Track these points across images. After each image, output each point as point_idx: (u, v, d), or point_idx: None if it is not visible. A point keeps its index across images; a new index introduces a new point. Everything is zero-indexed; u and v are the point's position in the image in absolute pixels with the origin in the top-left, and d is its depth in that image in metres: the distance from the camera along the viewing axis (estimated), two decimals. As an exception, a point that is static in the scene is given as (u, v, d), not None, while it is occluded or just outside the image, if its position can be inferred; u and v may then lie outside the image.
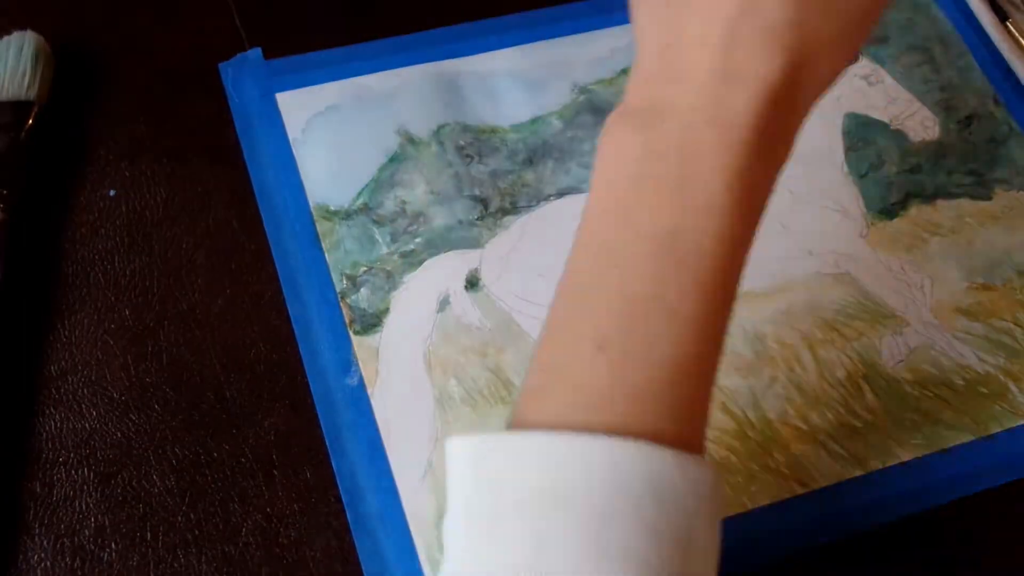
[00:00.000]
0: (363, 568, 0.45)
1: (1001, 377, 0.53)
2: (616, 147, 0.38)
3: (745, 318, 0.53)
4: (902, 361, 0.53)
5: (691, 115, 0.36)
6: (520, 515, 0.33)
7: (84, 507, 0.46)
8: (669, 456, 0.33)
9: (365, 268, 0.52)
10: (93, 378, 0.49)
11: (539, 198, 0.55)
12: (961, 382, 0.53)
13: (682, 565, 0.33)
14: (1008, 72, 0.64)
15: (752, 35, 0.36)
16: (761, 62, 0.36)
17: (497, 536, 0.33)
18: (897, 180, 0.59)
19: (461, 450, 0.35)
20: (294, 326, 0.50)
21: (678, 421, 0.34)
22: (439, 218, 0.54)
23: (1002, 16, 0.65)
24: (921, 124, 0.61)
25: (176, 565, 0.45)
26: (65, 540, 0.45)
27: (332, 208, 0.54)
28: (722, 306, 0.36)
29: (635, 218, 0.36)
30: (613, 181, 0.37)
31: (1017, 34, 0.65)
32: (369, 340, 0.50)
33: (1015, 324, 0.55)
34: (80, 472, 0.47)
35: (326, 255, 0.52)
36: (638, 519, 0.32)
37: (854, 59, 0.39)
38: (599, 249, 0.37)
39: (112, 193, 0.53)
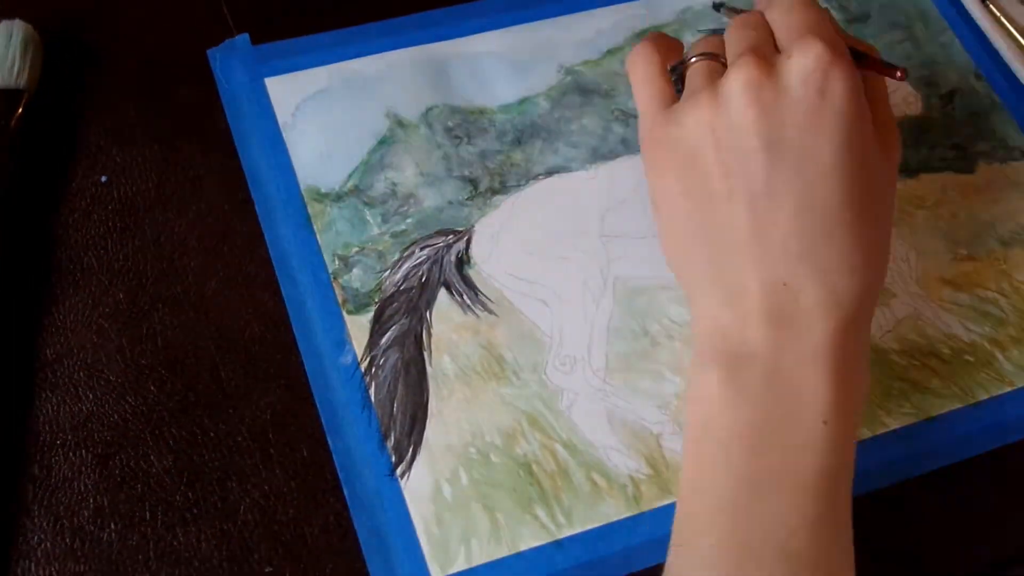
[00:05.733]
0: (361, 544, 0.46)
1: (987, 346, 0.54)
2: (706, 396, 0.40)
3: (734, 292, 0.53)
4: (889, 331, 0.54)
5: (775, 358, 0.39)
6: None
7: (83, 488, 0.46)
8: None
9: (357, 249, 0.53)
10: (89, 361, 0.49)
11: (528, 177, 0.56)
12: (948, 351, 0.53)
13: None
14: (989, 46, 0.64)
15: (824, 264, 0.39)
16: (837, 288, 0.39)
17: None
18: (881, 155, 0.59)
19: None
20: (287, 307, 0.51)
21: None
22: (429, 199, 0.55)
23: (982, -5, 0.66)
24: (903, 100, 0.62)
25: (175, 544, 0.45)
26: (64, 521, 0.45)
27: (323, 190, 0.54)
28: (833, 530, 0.38)
29: (736, 464, 0.38)
30: (710, 428, 0.39)
31: (998, 12, 0.65)
32: (362, 319, 0.51)
33: (1000, 294, 0.56)
34: (78, 454, 0.47)
35: (318, 236, 0.53)
36: None
37: None
38: (704, 495, 0.39)
39: (104, 179, 0.54)
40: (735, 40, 0.43)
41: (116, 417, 0.48)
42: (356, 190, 0.54)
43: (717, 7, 0.53)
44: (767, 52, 0.42)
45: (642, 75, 0.46)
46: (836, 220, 0.40)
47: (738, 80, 0.41)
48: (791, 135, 0.40)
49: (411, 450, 0.48)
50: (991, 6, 0.65)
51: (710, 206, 0.42)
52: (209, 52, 0.58)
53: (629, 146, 0.58)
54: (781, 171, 0.40)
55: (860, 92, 0.41)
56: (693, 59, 0.45)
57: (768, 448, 0.38)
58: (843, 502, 0.39)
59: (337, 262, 0.52)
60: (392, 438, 0.48)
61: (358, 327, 0.51)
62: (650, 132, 0.45)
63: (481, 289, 0.52)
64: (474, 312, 0.52)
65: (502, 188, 0.55)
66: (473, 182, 0.55)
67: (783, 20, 0.43)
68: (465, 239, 0.54)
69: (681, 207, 0.43)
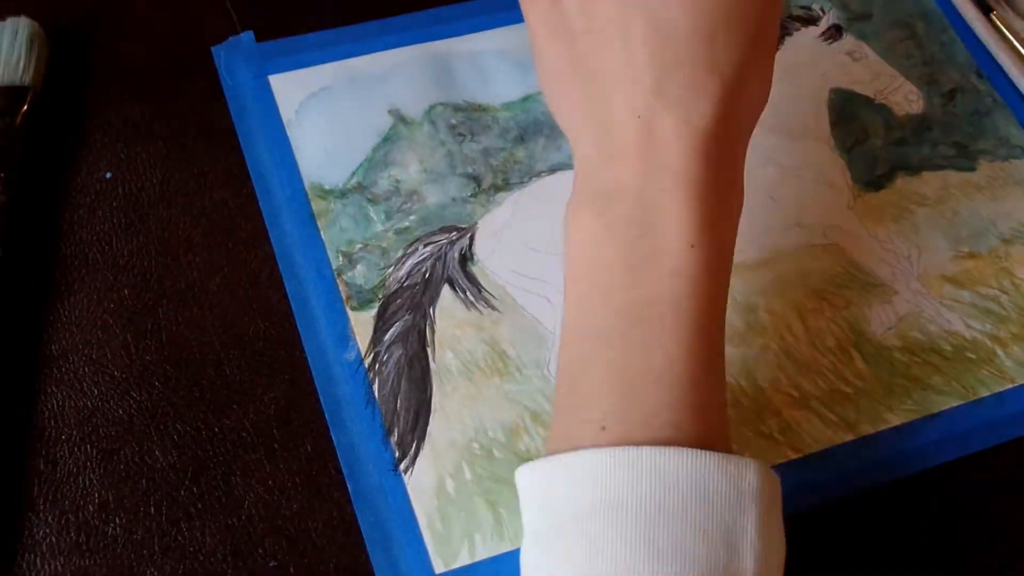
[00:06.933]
0: (365, 539, 0.46)
1: (988, 343, 0.54)
2: (581, 234, 0.40)
3: (736, 289, 0.53)
4: (891, 328, 0.54)
5: (639, 189, 0.38)
6: (575, 526, 0.35)
7: (87, 483, 0.46)
8: (710, 457, 0.35)
9: (361, 245, 0.53)
10: (94, 357, 0.49)
11: (531, 174, 0.56)
12: (949, 348, 0.54)
13: (730, 560, 0.35)
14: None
15: (676, 92, 0.39)
16: (691, 114, 0.38)
17: (555, 549, 0.36)
18: (883, 153, 0.60)
19: (527, 479, 0.39)
20: (291, 303, 0.51)
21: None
22: (433, 196, 0.55)
23: (986, 9, 0.65)
24: (905, 98, 0.62)
25: (180, 538, 0.46)
26: (69, 516, 0.46)
27: (327, 187, 0.54)
28: (707, 354, 0.38)
29: (613, 298, 0.38)
30: (586, 265, 0.40)
31: (1003, 27, 0.65)
32: (365, 315, 0.51)
33: (1001, 291, 0.56)
34: (83, 449, 0.47)
35: (321, 233, 0.53)
36: (685, 518, 0.34)
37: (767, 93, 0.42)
38: (585, 334, 0.39)
39: (109, 175, 0.54)
40: None
41: (121, 412, 0.48)
42: (360, 187, 0.54)
43: None
44: None
45: None
46: (684, 48, 0.39)
47: None
48: None
49: (414, 445, 0.48)
50: (996, 21, 0.65)
51: (573, 45, 0.41)
52: (214, 49, 0.58)
53: (632, 144, 0.58)
54: (628, 4, 0.39)
55: None
56: None
57: (640, 278, 0.38)
58: (716, 326, 0.39)
59: (341, 258, 0.52)
60: (396, 434, 0.48)
61: (362, 323, 0.51)
62: None
63: (484, 285, 0.53)
64: (477, 308, 0.52)
65: (505, 185, 0.56)
66: (476, 179, 0.56)
67: None
68: (468, 236, 0.54)
69: (549, 50, 0.42)
